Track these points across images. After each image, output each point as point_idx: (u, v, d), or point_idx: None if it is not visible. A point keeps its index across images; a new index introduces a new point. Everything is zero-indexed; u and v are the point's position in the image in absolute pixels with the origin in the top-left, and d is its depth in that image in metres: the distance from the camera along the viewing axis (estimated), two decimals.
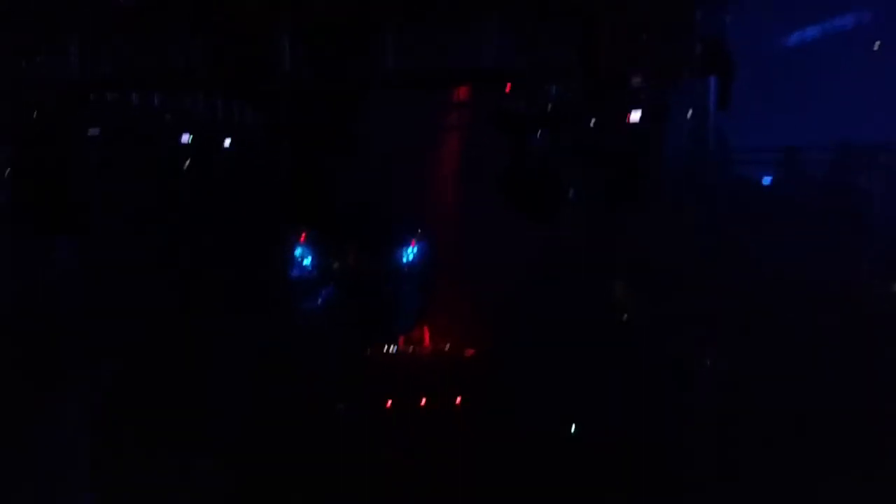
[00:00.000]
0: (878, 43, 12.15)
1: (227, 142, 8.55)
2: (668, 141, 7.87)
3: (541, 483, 11.39)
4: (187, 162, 7.93)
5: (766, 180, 11.18)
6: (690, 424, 10.67)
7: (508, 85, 7.88)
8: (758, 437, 9.55)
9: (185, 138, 7.92)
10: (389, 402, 12.93)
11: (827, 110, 10.88)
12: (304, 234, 9.12)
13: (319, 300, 9.19)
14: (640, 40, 6.68)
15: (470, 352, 13.53)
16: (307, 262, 8.98)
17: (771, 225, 9.47)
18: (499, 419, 12.36)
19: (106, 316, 9.33)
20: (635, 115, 7.21)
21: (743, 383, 10.29)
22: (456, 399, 13.09)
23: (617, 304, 12.52)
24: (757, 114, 10.26)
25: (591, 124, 7.58)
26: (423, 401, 13.10)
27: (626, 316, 12.37)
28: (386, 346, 13.16)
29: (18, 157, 6.02)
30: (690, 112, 10.12)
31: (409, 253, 9.68)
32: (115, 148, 7.13)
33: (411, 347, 13.47)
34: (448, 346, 13.61)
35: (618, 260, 12.02)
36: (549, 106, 7.94)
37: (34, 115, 6.01)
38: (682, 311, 10.90)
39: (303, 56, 6.39)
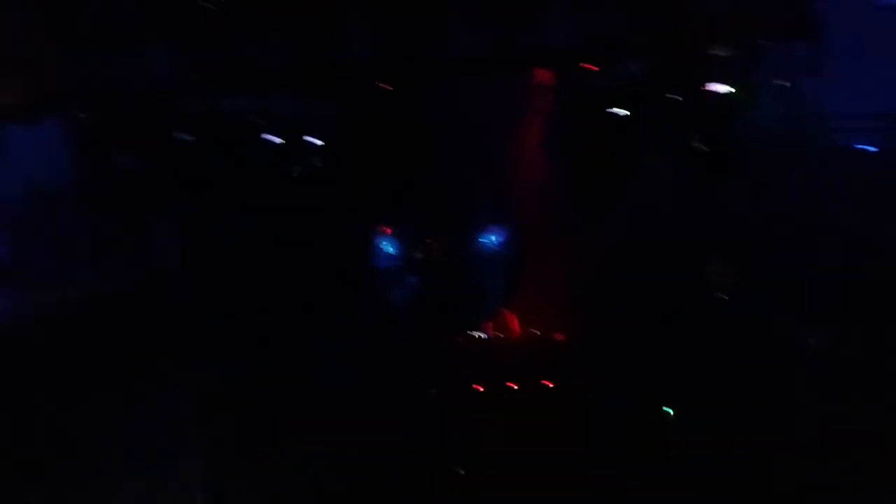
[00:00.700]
0: None
1: (315, 140, 8.70)
2: (757, 112, 7.57)
3: (637, 470, 11.20)
4: (279, 163, 8.09)
5: (866, 149, 10.60)
6: (795, 409, 10.26)
7: (587, 64, 7.72)
8: (861, 420, 9.13)
9: (274, 139, 8.10)
10: (480, 387, 12.96)
11: None
12: (387, 225, 9.18)
13: (406, 289, 9.26)
14: (719, 9, 6.45)
15: (560, 337, 13.40)
16: (392, 251, 9.05)
17: (871, 197, 8.98)
18: (591, 405, 12.21)
19: (200, 313, 9.65)
20: (719, 87, 6.97)
21: (848, 363, 9.83)
22: (547, 385, 12.99)
23: (713, 283, 12.16)
24: (854, 79, 9.75)
25: (674, 99, 7.35)
26: (514, 386, 13.06)
27: (723, 296, 12.00)
28: (475, 333, 13.18)
29: (109, 163, 6.28)
30: (780, 80, 9.69)
31: (494, 238, 9.63)
32: (205, 152, 7.32)
33: (500, 333, 13.45)
34: (538, 331, 13.51)
35: (711, 238, 11.66)
36: (630, 83, 7.76)
37: (123, 122, 6.24)
38: (781, 289, 10.49)
39: (375, 44, 6.42)
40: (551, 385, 13.00)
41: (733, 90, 7.13)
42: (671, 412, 11.91)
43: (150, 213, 6.72)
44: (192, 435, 10.12)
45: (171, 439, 9.92)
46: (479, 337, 13.36)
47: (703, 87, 7.19)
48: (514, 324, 13.57)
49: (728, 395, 10.64)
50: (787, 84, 9.31)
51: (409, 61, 6.66)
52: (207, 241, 9.78)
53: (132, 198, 6.40)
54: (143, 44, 6.24)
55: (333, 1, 6.07)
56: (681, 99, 7.41)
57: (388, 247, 9.04)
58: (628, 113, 7.78)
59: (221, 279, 10.16)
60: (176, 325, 9.71)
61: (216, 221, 9.47)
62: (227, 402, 10.35)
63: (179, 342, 9.75)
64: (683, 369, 11.26)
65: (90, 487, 8.77)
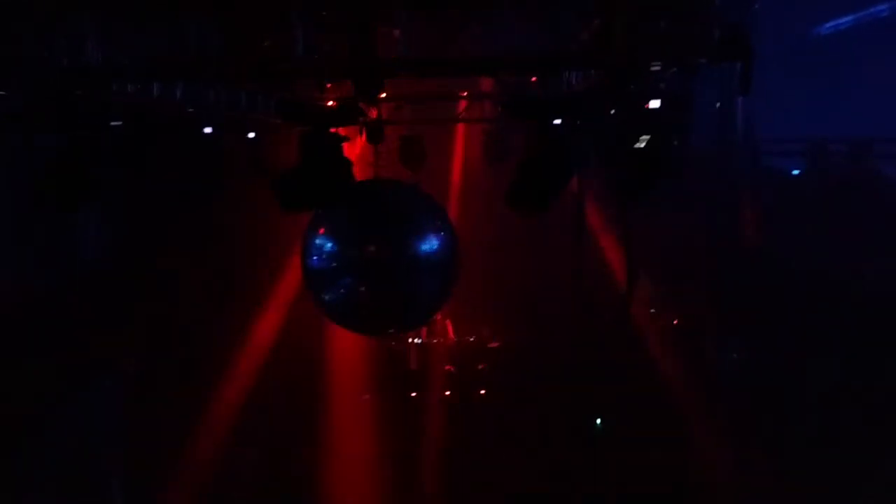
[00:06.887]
0: None
1: (251, 134, 8.60)
2: (691, 129, 7.72)
3: (563, 476, 11.34)
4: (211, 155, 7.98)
5: (794, 171, 10.96)
6: (714, 418, 10.52)
7: (528, 74, 7.80)
8: (781, 432, 9.42)
9: (208, 130, 7.98)
10: (413, 392, 12.97)
11: (860, 99, 10.61)
12: (322, 223, 9.06)
13: (340, 290, 9.13)
14: (658, 26, 6.56)
15: (494, 344, 13.50)
16: (326, 250, 8.91)
17: (797, 216, 9.26)
18: (522, 412, 12.32)
19: (124, 307, 9.43)
20: (654, 103, 7.07)
21: (768, 376, 10.11)
22: (479, 391, 13.07)
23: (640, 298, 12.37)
24: (788, 103, 10.04)
25: (611, 112, 7.46)
26: (447, 392, 13.11)
27: (652, 310, 12.23)
28: (410, 337, 13.17)
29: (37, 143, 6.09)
30: (716, 100, 9.94)
31: (431, 242, 9.57)
32: (136, 138, 7.16)
33: (435, 339, 13.46)
34: (472, 337, 13.58)
35: (641, 253, 11.87)
36: (568, 93, 7.86)
37: (54, 103, 6.06)
38: (706, 304, 10.74)
39: (315, 41, 6.36)
40: (483, 392, 13.11)
41: (668, 106, 7.25)
42: (598, 423, 12.11)
43: (74, 201, 6.48)
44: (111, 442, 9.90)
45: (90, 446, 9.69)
46: (415, 341, 13.36)
47: (639, 102, 7.29)
48: (451, 329, 13.61)
49: (652, 403, 10.86)
50: (719, 104, 9.55)
51: (349, 59, 6.59)
52: (134, 233, 9.55)
53: (54, 184, 6.18)
54: (74, 21, 6.06)
55: None
56: (616, 112, 7.52)
57: (322, 245, 8.90)
58: (565, 122, 7.88)
59: (150, 274, 9.95)
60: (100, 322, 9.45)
61: (144, 212, 9.27)
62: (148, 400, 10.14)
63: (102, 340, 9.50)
64: (616, 378, 11.46)
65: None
